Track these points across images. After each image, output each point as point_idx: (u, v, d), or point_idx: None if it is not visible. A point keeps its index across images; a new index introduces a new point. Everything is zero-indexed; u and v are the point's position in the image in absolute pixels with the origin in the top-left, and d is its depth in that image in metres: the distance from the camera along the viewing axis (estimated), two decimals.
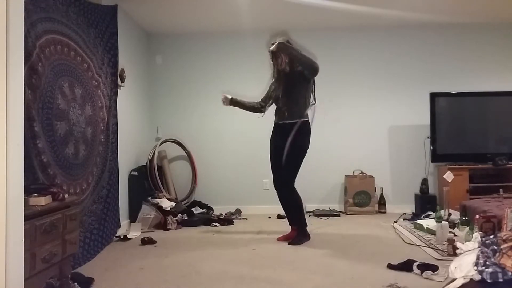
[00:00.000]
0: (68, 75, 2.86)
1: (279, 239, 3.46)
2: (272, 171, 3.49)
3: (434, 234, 3.36)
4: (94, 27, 3.35)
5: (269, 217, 4.59)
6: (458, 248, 2.73)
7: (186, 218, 4.27)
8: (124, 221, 3.94)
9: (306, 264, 2.78)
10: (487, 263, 1.59)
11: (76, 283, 2.26)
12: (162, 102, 5.14)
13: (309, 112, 3.39)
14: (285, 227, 3.68)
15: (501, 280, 1.51)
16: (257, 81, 4.96)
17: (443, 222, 3.35)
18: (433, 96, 4.62)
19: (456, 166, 4.46)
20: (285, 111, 3.37)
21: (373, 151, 4.99)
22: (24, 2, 1.67)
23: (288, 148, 3.29)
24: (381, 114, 5.00)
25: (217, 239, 3.62)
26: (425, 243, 3.21)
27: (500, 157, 4.41)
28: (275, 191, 3.48)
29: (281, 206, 3.53)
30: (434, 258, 2.80)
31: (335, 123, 4.95)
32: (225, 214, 4.75)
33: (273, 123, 3.51)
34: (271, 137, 3.52)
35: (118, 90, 3.79)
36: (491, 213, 3.10)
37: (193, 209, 4.65)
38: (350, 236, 3.67)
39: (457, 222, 3.56)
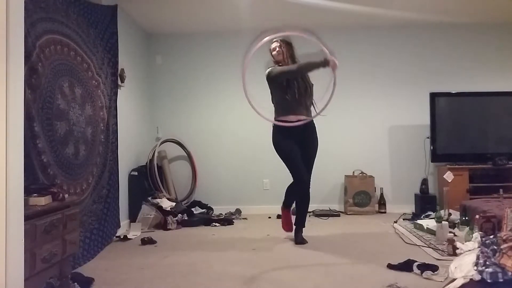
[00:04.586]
0: (68, 75, 2.87)
1: (286, 229, 3.45)
2: (300, 168, 3.30)
3: (434, 234, 3.36)
4: (94, 27, 3.35)
5: (269, 217, 4.58)
6: (458, 248, 2.74)
7: (186, 218, 4.27)
8: (124, 221, 3.94)
9: (306, 264, 2.78)
10: (487, 263, 1.59)
11: (76, 283, 2.26)
12: (162, 102, 5.14)
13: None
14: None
15: (501, 280, 1.52)
16: (257, 81, 4.96)
17: (443, 222, 3.35)
18: (433, 96, 4.62)
19: (456, 166, 4.46)
20: (306, 108, 3.33)
21: (373, 151, 4.99)
22: (24, 2, 1.67)
23: (316, 146, 3.39)
24: (381, 114, 5.00)
25: (217, 239, 3.62)
26: (425, 243, 3.21)
27: (500, 157, 4.41)
28: (303, 189, 3.37)
29: (298, 206, 3.49)
30: (434, 258, 2.79)
31: (335, 123, 4.95)
32: (225, 214, 4.75)
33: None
34: (285, 137, 3.29)
35: (118, 90, 3.79)
36: (491, 213, 3.10)
37: (193, 209, 4.65)
38: (350, 236, 3.67)
39: (457, 222, 3.56)
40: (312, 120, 3.37)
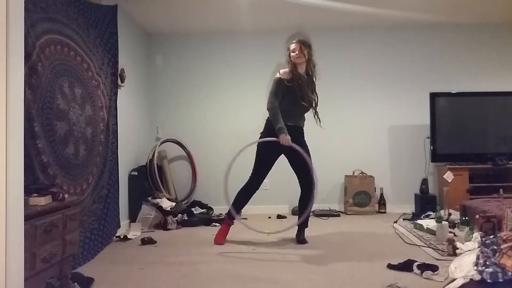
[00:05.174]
0: (68, 75, 2.86)
1: (218, 240, 3.37)
2: (265, 174, 3.41)
3: (434, 234, 3.36)
4: (94, 27, 3.35)
5: (269, 217, 4.58)
6: (458, 248, 2.74)
7: (186, 218, 4.27)
8: (124, 221, 3.94)
9: (306, 264, 2.78)
10: (487, 263, 1.59)
11: (76, 283, 2.26)
12: (162, 102, 5.14)
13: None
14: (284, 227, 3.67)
15: (501, 280, 1.52)
16: (257, 81, 4.97)
17: (443, 222, 3.35)
18: (433, 96, 4.62)
19: (456, 166, 4.46)
20: (303, 115, 3.40)
21: (373, 151, 4.99)
22: (24, 2, 1.67)
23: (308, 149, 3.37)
24: (381, 114, 5.00)
25: None
26: (425, 243, 3.21)
27: (500, 157, 4.41)
28: (308, 194, 3.36)
29: (301, 208, 3.45)
30: (434, 258, 2.80)
31: (335, 123, 4.95)
32: (225, 214, 4.74)
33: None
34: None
35: (118, 90, 3.79)
36: (491, 213, 3.10)
37: (193, 209, 4.65)
38: (350, 236, 3.67)
39: (457, 222, 3.56)
40: (302, 127, 3.42)
